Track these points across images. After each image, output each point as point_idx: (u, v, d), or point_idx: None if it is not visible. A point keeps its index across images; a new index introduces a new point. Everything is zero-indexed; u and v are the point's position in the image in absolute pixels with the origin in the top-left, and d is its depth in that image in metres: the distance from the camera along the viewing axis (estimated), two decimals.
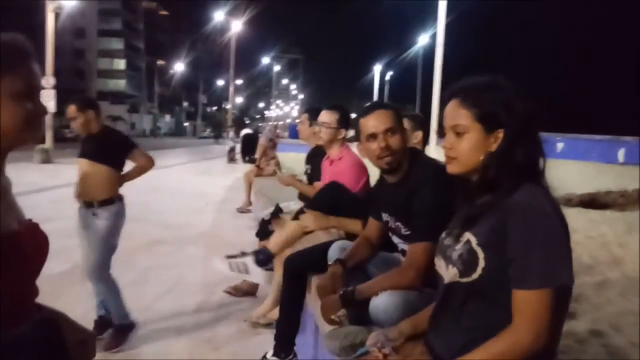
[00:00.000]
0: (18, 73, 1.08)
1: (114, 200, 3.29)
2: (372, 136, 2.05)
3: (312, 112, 3.99)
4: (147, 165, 3.41)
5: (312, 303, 2.52)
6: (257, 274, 2.77)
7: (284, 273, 2.93)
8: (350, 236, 2.77)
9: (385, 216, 2.18)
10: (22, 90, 1.08)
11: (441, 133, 1.46)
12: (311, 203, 3.17)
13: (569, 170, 12.71)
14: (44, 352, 1.15)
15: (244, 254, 3.14)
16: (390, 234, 2.19)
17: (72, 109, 3.24)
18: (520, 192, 1.27)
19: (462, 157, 1.37)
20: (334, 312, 2.01)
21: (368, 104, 2.24)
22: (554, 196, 1.31)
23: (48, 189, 9.71)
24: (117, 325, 3.32)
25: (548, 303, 1.21)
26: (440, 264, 1.41)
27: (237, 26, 38.61)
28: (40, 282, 1.19)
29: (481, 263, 1.28)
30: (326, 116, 3.39)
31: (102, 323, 3.37)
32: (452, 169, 1.41)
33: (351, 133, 3.56)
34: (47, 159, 16.24)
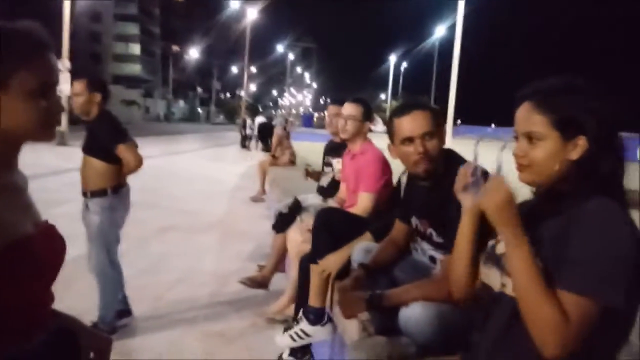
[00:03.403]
0: (33, 68, 0.99)
1: (107, 192, 3.11)
2: (408, 140, 1.90)
3: (340, 103, 3.77)
4: (130, 164, 3.10)
5: (334, 306, 2.43)
6: (320, 332, 2.67)
7: (300, 273, 2.83)
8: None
9: (414, 220, 2.06)
10: (37, 87, 0.99)
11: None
12: (313, 253, 2.76)
13: None
14: None
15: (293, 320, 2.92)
16: (418, 239, 2.07)
17: (80, 85, 3.10)
18: (593, 202, 1.15)
19: (536, 165, 1.25)
20: (355, 311, 1.91)
21: (404, 102, 2.09)
22: (630, 214, 1.18)
23: (62, 171, 9.70)
24: (92, 325, 3.09)
25: (583, 313, 1.09)
26: (489, 273, 1.29)
27: (252, 13, 38.43)
28: None
29: None
30: (351, 109, 3.25)
31: (120, 315, 3.31)
32: (524, 177, 1.29)
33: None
34: (62, 142, 16.28)
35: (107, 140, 3.09)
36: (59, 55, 17.98)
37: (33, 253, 0.99)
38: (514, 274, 1.20)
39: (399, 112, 1.96)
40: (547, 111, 1.24)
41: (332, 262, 2.47)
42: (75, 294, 3.36)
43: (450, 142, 13.39)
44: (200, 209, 7.64)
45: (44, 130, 1.03)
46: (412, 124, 1.89)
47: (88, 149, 3.16)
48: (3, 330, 0.96)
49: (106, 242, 3.16)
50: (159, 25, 79.76)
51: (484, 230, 1.39)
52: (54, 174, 9.49)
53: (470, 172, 1.36)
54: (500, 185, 1.22)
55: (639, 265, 1.10)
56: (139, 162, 3.12)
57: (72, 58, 18.59)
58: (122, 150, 3.06)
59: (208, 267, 4.76)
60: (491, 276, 1.30)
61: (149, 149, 16.01)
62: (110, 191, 3.12)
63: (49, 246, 1.06)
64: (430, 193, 1.94)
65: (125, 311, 3.34)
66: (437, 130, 1.92)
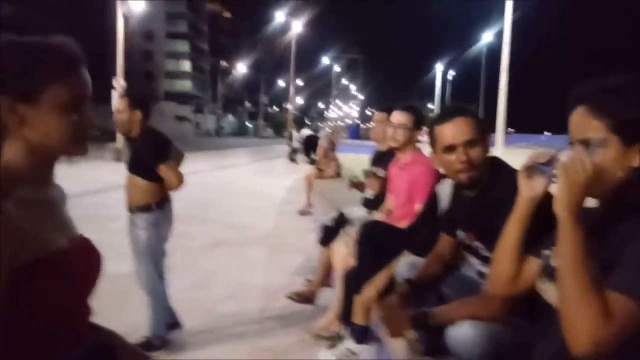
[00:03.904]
0: (64, 82, 1.00)
1: (151, 207, 3.17)
2: (450, 148, 1.83)
3: (387, 110, 3.68)
4: (172, 183, 3.16)
5: (378, 321, 2.39)
6: (366, 351, 2.67)
7: (344, 287, 2.81)
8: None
9: (460, 234, 1.99)
10: (68, 101, 1.00)
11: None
12: (358, 268, 2.78)
13: None
14: None
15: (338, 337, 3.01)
16: (465, 253, 2.00)
17: (123, 103, 3.21)
18: None
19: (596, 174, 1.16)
20: (401, 329, 1.87)
21: (445, 109, 2.04)
22: None
23: (118, 187, 10.06)
24: (145, 339, 3.17)
25: (628, 315, 1.02)
26: (546, 288, 1.24)
27: (297, 27, 38.97)
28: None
29: None
30: (401, 117, 3.19)
31: (170, 327, 3.35)
32: None
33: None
34: (118, 158, 16.88)
35: (149, 160, 3.16)
36: (113, 73, 18.79)
37: (66, 267, 1.00)
38: (561, 263, 1.13)
39: (440, 119, 1.89)
40: (604, 115, 1.15)
41: (372, 291, 2.40)
42: (131, 309, 3.46)
43: (501, 151, 13.07)
44: (248, 222, 7.74)
45: (75, 144, 1.04)
46: (454, 131, 1.82)
47: (132, 168, 3.24)
48: (38, 343, 0.97)
49: (154, 257, 3.22)
50: (207, 42, 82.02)
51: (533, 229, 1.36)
52: (112, 190, 9.85)
53: (544, 159, 1.32)
54: (586, 163, 1.12)
55: None
56: (179, 181, 3.16)
57: (127, 76, 19.37)
58: (163, 170, 3.12)
59: (257, 281, 4.80)
60: (549, 291, 1.25)
61: (199, 163, 16.36)
62: (155, 206, 3.19)
63: (83, 260, 1.07)
64: (476, 204, 1.87)
65: (174, 324, 3.40)
66: (480, 138, 1.84)
